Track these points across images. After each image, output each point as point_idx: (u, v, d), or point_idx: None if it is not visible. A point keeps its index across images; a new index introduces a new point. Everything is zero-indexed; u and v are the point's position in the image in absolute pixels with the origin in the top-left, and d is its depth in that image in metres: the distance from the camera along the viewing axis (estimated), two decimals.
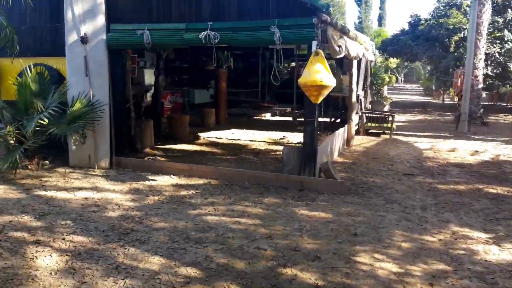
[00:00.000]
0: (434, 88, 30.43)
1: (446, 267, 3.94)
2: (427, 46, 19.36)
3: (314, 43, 5.74)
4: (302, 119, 7.16)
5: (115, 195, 5.91)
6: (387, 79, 22.70)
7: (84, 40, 6.88)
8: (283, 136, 10.34)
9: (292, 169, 6.50)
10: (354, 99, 9.72)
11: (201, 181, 6.62)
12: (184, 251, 4.19)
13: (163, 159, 7.75)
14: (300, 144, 6.90)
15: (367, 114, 11.44)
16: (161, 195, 5.94)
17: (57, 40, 7.33)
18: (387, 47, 21.94)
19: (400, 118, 15.50)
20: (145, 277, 3.70)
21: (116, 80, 7.18)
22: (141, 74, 10.68)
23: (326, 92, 5.37)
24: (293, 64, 16.12)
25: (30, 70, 6.89)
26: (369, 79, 13.77)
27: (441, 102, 25.67)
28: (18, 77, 7.03)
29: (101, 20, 6.88)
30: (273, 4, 6.19)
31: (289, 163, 6.55)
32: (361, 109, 11.37)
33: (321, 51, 5.36)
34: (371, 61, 13.32)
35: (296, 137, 9.88)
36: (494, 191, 6.47)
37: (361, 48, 9.00)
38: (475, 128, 13.04)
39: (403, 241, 4.50)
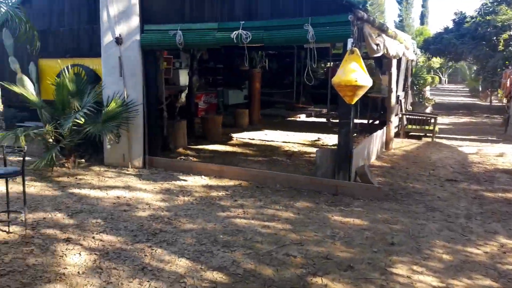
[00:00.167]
0: (480, 89, 28.91)
1: (493, 283, 3.61)
2: (473, 45, 18.37)
3: (350, 41, 5.50)
4: (337, 121, 6.91)
5: (146, 194, 5.92)
6: (429, 79, 21.74)
7: (118, 41, 6.99)
8: (318, 138, 10.09)
9: (326, 172, 6.27)
10: (393, 100, 9.33)
11: (231, 183, 6.53)
12: (211, 254, 4.09)
13: (194, 159, 7.74)
14: (335, 147, 6.67)
15: (407, 116, 10.96)
16: (191, 195, 5.90)
17: (93, 41, 7.50)
18: (430, 46, 21.04)
19: (443, 120, 14.79)
20: (170, 280, 3.63)
21: (150, 80, 7.25)
22: (176, 75, 10.77)
23: (361, 93, 5.12)
24: (330, 64, 15.77)
25: (68, 71, 7.07)
26: (410, 80, 13.24)
27: (488, 104, 24.28)
28: (56, 78, 7.23)
29: (135, 21, 6.96)
30: (307, 1, 6.00)
31: (323, 166, 6.32)
32: (401, 110, 10.93)
33: (356, 49, 5.12)
34: (412, 61, 12.80)
35: (332, 139, 9.60)
36: None
37: (401, 46, 8.62)
38: None
39: (445, 253, 4.18)
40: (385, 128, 9.27)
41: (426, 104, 15.12)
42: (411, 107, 13.64)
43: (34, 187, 6.12)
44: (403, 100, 11.21)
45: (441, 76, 41.52)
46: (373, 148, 8.13)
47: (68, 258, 3.98)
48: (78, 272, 3.73)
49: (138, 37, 6.97)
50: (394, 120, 9.73)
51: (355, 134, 8.13)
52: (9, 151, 5.11)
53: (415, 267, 3.86)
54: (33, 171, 6.77)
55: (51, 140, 6.89)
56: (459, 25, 20.30)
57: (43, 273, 3.71)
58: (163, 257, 4.02)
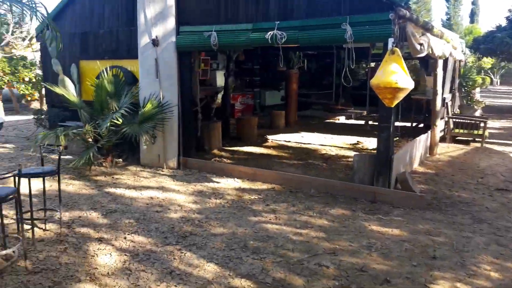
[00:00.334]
0: None
1: None
2: None
3: (390, 40, 5.20)
4: (375, 123, 6.58)
5: (179, 196, 5.92)
6: (479, 80, 20.50)
7: (155, 42, 7.06)
8: (358, 141, 9.72)
9: (364, 178, 5.99)
10: (439, 102, 8.81)
11: (264, 186, 6.39)
12: (240, 260, 3.98)
13: (228, 161, 7.68)
14: (375, 151, 6.35)
15: (454, 119, 10.34)
16: (223, 198, 5.82)
17: (131, 43, 7.64)
18: (480, 45, 19.86)
19: (494, 124, 13.86)
20: (198, 285, 3.56)
21: (185, 81, 7.27)
22: (213, 76, 10.82)
23: (401, 96, 4.81)
24: (372, 64, 15.26)
25: (107, 72, 7.23)
26: (457, 81, 12.52)
27: None
28: (96, 79, 7.43)
29: (171, 22, 7.00)
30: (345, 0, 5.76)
31: (360, 171, 6.04)
32: (447, 113, 10.34)
33: (397, 50, 4.82)
34: (460, 61, 12.09)
35: (373, 143, 9.18)
36: None
37: (447, 46, 8.12)
38: None
39: (493, 270, 3.83)
40: (429, 132, 8.77)
41: (475, 107, 14.23)
42: (458, 110, 12.90)
43: (72, 186, 6.29)
44: (449, 103, 10.60)
45: (492, 77, 39.27)
46: (416, 153, 7.70)
47: (99, 258, 4.02)
48: (108, 273, 3.74)
49: (173, 38, 7.01)
50: (440, 124, 9.19)
51: (397, 138, 7.74)
52: (49, 150, 5.27)
53: (458, 285, 3.56)
54: (73, 169, 6.98)
55: (90, 139, 7.08)
56: None
57: (75, 272, 3.75)
58: (192, 261, 3.96)
